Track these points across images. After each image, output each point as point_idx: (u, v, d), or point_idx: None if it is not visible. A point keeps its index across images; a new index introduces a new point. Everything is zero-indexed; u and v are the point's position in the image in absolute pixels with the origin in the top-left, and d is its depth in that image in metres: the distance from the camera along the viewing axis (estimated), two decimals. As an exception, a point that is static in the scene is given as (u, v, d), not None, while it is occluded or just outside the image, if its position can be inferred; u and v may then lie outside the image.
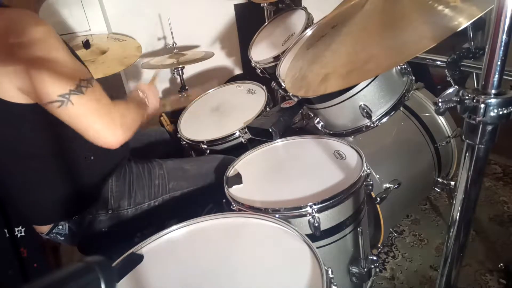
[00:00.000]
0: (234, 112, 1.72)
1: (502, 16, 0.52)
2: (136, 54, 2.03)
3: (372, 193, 1.26)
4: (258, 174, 1.19)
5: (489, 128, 0.59)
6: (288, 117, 1.47)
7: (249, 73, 2.43)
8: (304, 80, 0.98)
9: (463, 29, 0.66)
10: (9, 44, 0.83)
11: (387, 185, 1.31)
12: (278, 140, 1.34)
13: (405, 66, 1.23)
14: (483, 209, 1.70)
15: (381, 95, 1.20)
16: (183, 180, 1.30)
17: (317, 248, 0.79)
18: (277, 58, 1.66)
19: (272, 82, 1.73)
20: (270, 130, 1.38)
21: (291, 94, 1.33)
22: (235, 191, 1.11)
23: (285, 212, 0.97)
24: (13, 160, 1.02)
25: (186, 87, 2.27)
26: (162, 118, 1.83)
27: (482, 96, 0.57)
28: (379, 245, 1.42)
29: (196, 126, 1.72)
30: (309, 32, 1.60)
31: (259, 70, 1.81)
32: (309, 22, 1.72)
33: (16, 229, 1.11)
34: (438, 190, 1.56)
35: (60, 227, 1.14)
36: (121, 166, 1.21)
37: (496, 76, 0.56)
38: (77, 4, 2.21)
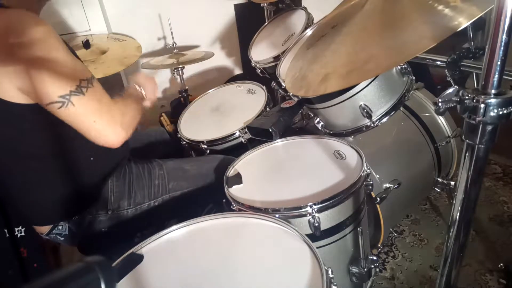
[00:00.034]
0: (234, 112, 1.72)
1: (502, 16, 0.52)
2: (136, 54, 2.03)
3: (372, 193, 1.26)
4: (258, 174, 1.19)
5: (489, 128, 0.59)
6: (288, 117, 1.47)
7: (249, 73, 2.44)
8: (304, 80, 0.98)
9: (463, 29, 0.66)
10: (9, 44, 0.83)
11: (387, 185, 1.31)
12: (278, 140, 1.34)
13: (405, 66, 1.23)
14: (483, 209, 1.70)
15: (381, 95, 1.20)
16: (183, 180, 1.30)
17: (317, 248, 0.79)
18: (277, 58, 1.66)
19: (272, 82, 1.73)
20: (270, 130, 1.38)
21: (291, 94, 1.33)
22: (235, 191, 1.11)
23: (285, 212, 0.97)
24: (13, 160, 1.02)
25: (186, 87, 2.28)
26: (162, 118, 1.83)
27: (482, 96, 0.57)
28: (379, 245, 1.42)
29: (196, 126, 1.72)
30: (309, 32, 1.60)
31: (259, 70, 1.81)
32: (309, 22, 1.72)
33: (16, 229, 1.11)
34: (438, 190, 1.56)
35: (60, 227, 1.14)
36: (121, 166, 1.21)
37: (496, 76, 0.56)
38: (77, 4, 2.21)
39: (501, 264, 1.41)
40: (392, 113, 1.21)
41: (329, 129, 1.38)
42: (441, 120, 1.55)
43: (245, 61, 2.78)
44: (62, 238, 1.17)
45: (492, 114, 0.57)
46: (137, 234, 1.21)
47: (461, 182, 0.68)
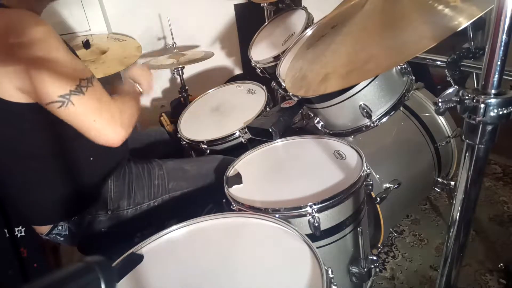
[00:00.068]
0: (234, 112, 1.72)
1: (502, 16, 0.52)
2: (136, 54, 2.03)
3: (372, 193, 1.26)
4: (258, 174, 1.19)
5: (489, 128, 0.59)
6: (288, 117, 1.47)
7: (249, 73, 2.44)
8: (304, 80, 0.98)
9: (463, 29, 0.66)
10: (9, 44, 0.83)
11: (387, 185, 1.31)
12: (278, 140, 1.34)
13: (405, 66, 1.23)
14: (483, 209, 1.70)
15: (381, 95, 1.20)
16: (183, 181, 1.30)
17: (317, 248, 0.79)
18: (277, 58, 1.66)
19: (272, 82, 1.73)
20: (270, 130, 1.38)
21: (291, 94, 1.33)
22: (235, 191, 1.11)
23: (285, 212, 0.97)
24: (13, 160, 1.02)
25: (186, 87, 2.27)
26: (162, 118, 1.83)
27: (482, 96, 0.57)
28: (379, 245, 1.42)
29: (196, 126, 1.72)
30: (309, 32, 1.60)
31: (259, 70, 1.81)
32: (309, 22, 1.72)
33: (16, 229, 1.11)
34: (438, 190, 1.56)
35: (60, 227, 1.14)
36: (121, 166, 1.21)
37: (496, 76, 0.56)
38: (77, 4, 2.21)
39: (501, 264, 1.41)
40: (392, 113, 1.21)
41: (329, 129, 1.38)
42: (441, 120, 1.55)
43: (245, 61, 2.78)
44: (62, 238, 1.17)
45: (492, 114, 0.57)
46: (137, 234, 1.21)
47: (461, 182, 0.68)
